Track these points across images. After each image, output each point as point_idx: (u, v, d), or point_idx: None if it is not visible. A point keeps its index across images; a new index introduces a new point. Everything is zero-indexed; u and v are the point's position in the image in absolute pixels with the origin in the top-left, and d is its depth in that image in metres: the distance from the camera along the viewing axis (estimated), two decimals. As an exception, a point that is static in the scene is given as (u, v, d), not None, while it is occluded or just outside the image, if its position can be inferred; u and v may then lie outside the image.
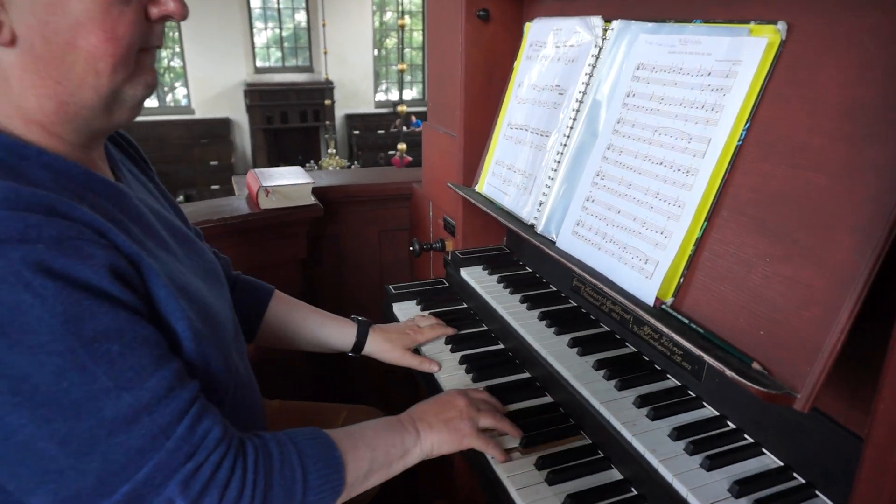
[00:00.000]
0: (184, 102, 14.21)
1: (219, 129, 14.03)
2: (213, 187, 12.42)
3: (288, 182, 1.85)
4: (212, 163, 12.90)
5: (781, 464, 0.91)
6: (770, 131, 0.85)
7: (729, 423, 1.00)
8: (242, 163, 14.13)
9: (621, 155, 1.08)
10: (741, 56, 0.90)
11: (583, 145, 1.21)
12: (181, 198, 11.39)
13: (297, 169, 2.04)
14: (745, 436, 0.97)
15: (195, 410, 0.75)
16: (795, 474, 0.89)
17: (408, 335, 1.34)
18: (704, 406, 1.04)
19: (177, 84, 14.32)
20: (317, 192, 2.03)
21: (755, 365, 0.78)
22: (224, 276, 1.09)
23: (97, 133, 0.84)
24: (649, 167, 1.01)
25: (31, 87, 0.73)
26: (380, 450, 0.94)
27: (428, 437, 1.00)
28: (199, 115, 13.98)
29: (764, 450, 0.94)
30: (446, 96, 1.73)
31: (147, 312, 0.76)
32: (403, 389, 2.23)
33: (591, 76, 1.23)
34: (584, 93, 1.24)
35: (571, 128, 1.25)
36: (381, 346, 1.32)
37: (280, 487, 0.81)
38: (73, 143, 0.80)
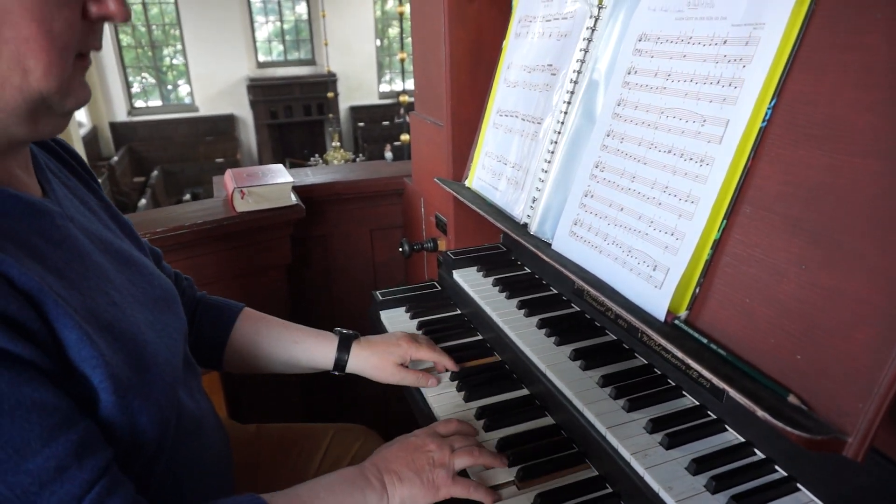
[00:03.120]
0: (187, 100, 14.17)
1: (223, 125, 13.97)
2: (220, 185, 12.35)
3: (264, 182, 1.71)
4: (217, 160, 12.82)
5: (821, 504, 0.76)
6: (803, 109, 0.69)
7: (757, 451, 0.86)
8: (248, 159, 14.08)
9: (623, 143, 0.93)
10: (764, 17, 0.74)
11: (579, 133, 1.06)
12: (188, 196, 11.32)
13: (277, 167, 1.90)
14: (777, 468, 0.83)
15: (96, 493, 0.62)
16: (839, 517, 0.74)
17: (400, 346, 1.17)
18: (727, 430, 0.90)
19: (180, 82, 14.28)
20: (300, 190, 1.89)
21: (791, 398, 0.64)
22: (181, 301, 0.96)
23: (15, 142, 0.71)
24: (656, 156, 0.86)
25: None
26: None
27: (397, 491, 0.86)
28: (202, 112, 13.94)
29: (799, 486, 0.79)
30: (431, 82, 1.58)
31: (50, 362, 0.62)
32: (402, 403, 2.10)
33: (586, 52, 1.08)
34: (580, 72, 1.08)
35: (566, 113, 1.09)
36: (369, 363, 1.15)
37: None
38: None
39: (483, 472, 0.93)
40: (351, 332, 1.18)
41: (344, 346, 1.15)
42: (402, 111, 10.19)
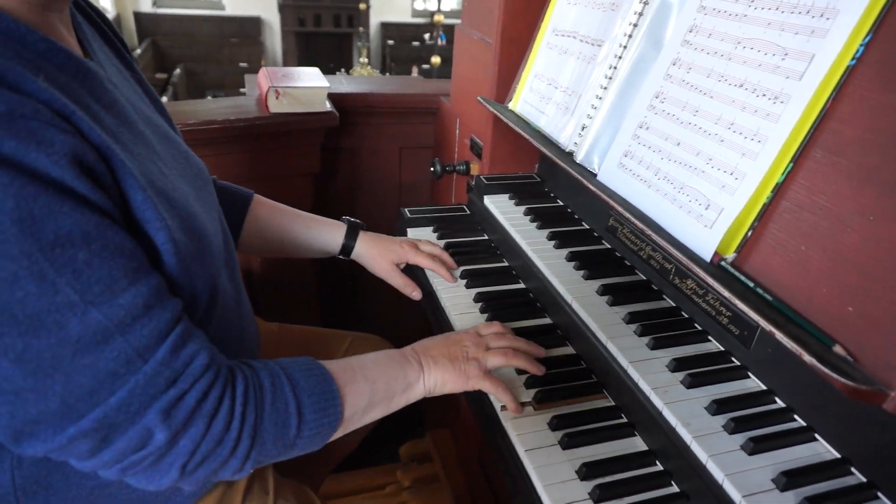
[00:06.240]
0: (214, -3, 13.68)
1: (249, 28, 13.54)
2: (242, 90, 12.13)
3: (301, 84, 1.66)
4: (241, 64, 12.51)
5: (838, 455, 0.77)
6: (901, 49, 0.64)
7: (777, 399, 0.86)
8: (273, 66, 13.73)
9: (689, 73, 0.88)
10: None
11: (642, 59, 1.00)
12: (209, 98, 11.18)
13: (314, 71, 1.85)
14: (796, 417, 0.83)
15: (178, 332, 0.66)
16: (854, 469, 0.75)
17: (402, 248, 1.25)
18: (750, 377, 0.90)
19: (207, -24, 13.73)
20: (333, 98, 1.84)
21: (837, 348, 0.63)
22: None
23: None
24: (724, 89, 0.82)
25: None
26: (380, 383, 0.86)
27: (432, 373, 0.92)
28: (229, 11, 13.48)
29: (817, 436, 0.80)
30: (483, -6, 1.50)
31: (120, 218, 0.64)
32: (415, 320, 2.13)
33: (662, -29, 1.00)
34: (651, -8, 1.01)
35: (630, 36, 1.03)
36: (370, 253, 1.25)
37: (271, 421, 0.73)
38: (29, 1, 0.65)
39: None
40: (358, 221, 1.27)
41: (352, 233, 1.24)
42: (434, 33, 9.80)
